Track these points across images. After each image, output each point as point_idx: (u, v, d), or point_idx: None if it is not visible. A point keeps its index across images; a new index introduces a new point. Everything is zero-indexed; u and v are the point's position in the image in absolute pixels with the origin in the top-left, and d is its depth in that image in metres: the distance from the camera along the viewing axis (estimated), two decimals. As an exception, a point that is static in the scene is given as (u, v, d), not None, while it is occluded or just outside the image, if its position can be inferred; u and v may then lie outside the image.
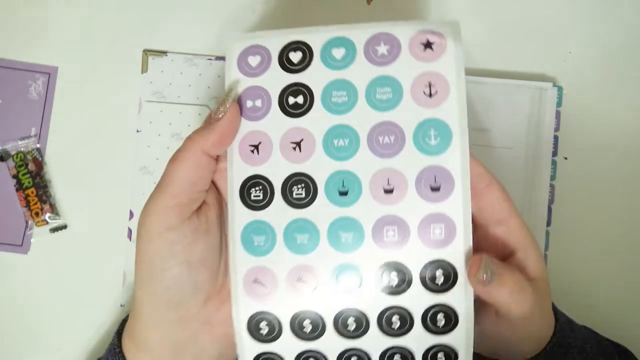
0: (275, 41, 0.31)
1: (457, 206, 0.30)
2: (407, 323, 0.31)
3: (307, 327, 0.31)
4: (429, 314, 0.31)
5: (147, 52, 0.44)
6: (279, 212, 0.31)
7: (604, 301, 0.44)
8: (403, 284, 0.30)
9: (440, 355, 0.32)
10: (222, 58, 0.44)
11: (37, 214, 0.43)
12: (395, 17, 0.45)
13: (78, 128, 0.45)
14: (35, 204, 0.43)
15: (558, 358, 0.32)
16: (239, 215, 0.31)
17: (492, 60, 0.45)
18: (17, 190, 0.43)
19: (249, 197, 0.31)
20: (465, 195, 0.30)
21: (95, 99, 0.45)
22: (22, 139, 0.44)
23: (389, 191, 0.30)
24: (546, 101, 0.44)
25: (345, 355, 0.31)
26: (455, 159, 0.30)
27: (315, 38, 0.31)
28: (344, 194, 0.30)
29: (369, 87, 0.30)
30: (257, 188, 0.31)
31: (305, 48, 0.31)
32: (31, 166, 0.43)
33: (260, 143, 0.31)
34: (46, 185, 0.43)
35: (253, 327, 0.31)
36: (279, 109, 0.31)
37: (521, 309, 0.30)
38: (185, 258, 0.30)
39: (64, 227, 0.44)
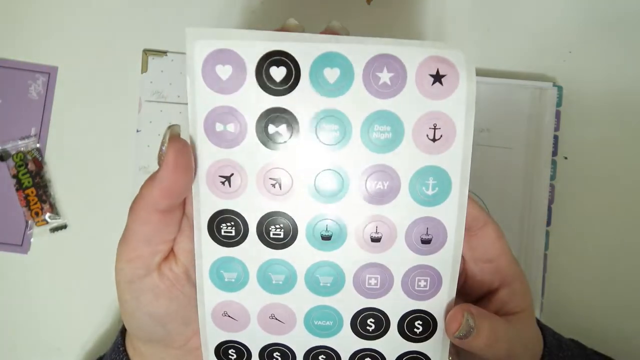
0: (251, 48, 0.25)
1: (446, 259, 0.28)
2: None
3: (277, 357, 0.30)
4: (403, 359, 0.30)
5: (147, 52, 0.44)
6: (253, 250, 0.28)
7: (604, 301, 0.44)
8: (380, 330, 0.29)
9: None
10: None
11: (37, 213, 0.43)
12: (395, 17, 0.45)
13: (78, 128, 0.45)
14: (35, 203, 0.43)
15: None
16: (206, 250, 0.28)
17: (492, 60, 0.45)
18: (17, 190, 0.43)
19: (219, 232, 0.28)
20: (457, 249, 0.28)
21: (95, 99, 0.45)
22: (22, 138, 0.44)
23: (376, 239, 0.28)
24: (546, 101, 0.44)
25: None
26: (452, 211, 0.27)
27: (304, 51, 0.25)
28: (327, 238, 0.28)
29: (366, 123, 0.26)
30: (228, 224, 0.27)
31: (290, 63, 0.25)
32: (31, 166, 0.43)
33: (232, 175, 0.27)
34: (46, 185, 0.43)
35: (222, 354, 0.30)
36: (256, 137, 0.26)
37: (498, 353, 0.29)
38: (149, 310, 0.28)
39: (64, 227, 0.44)
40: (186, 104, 0.46)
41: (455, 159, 0.26)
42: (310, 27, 0.46)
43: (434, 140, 0.26)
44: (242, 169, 0.26)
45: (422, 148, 0.26)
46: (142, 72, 0.44)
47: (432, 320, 0.29)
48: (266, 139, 0.26)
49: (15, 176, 0.43)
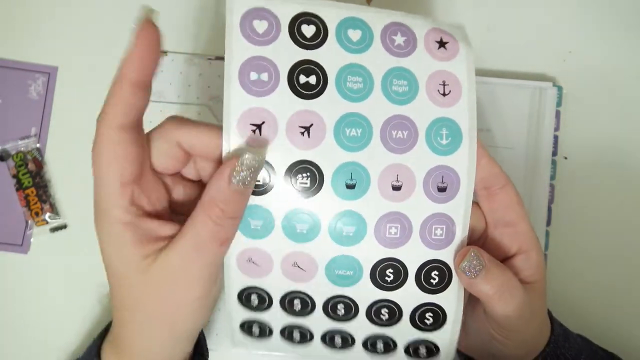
0: (285, 8, 0.28)
1: (459, 208, 0.30)
2: (395, 316, 0.31)
3: (297, 305, 0.32)
4: (418, 312, 0.31)
5: (147, 52, 0.44)
6: (279, 200, 0.28)
7: (604, 301, 0.44)
8: (398, 281, 0.31)
9: (422, 349, 0.33)
10: (222, 58, 0.44)
11: (37, 213, 0.43)
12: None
13: (78, 128, 0.44)
14: (35, 203, 0.43)
15: None
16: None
17: (492, 60, 0.45)
18: (17, 190, 0.43)
19: None
20: (468, 199, 0.30)
21: (95, 99, 0.45)
22: (22, 138, 0.44)
23: (397, 188, 0.29)
24: (546, 101, 0.44)
25: (329, 334, 0.33)
26: (463, 161, 0.30)
27: (330, 13, 0.28)
28: (351, 187, 0.29)
29: (385, 77, 0.29)
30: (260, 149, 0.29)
31: (319, 22, 0.28)
32: (31, 166, 0.43)
33: (263, 123, 0.28)
34: (46, 185, 0.43)
35: (244, 299, 0.31)
36: (288, 87, 0.28)
37: (505, 307, 0.30)
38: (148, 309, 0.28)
39: (64, 226, 0.44)
40: (186, 103, 0.46)
41: (463, 113, 0.30)
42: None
43: (444, 94, 0.29)
44: (273, 117, 0.28)
45: (435, 101, 0.29)
46: (142, 72, 0.44)
47: (447, 271, 0.31)
48: (297, 89, 0.28)
49: (15, 176, 0.43)
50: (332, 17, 0.28)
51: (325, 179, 0.29)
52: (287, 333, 0.33)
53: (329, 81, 0.28)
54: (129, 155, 0.26)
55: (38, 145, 0.44)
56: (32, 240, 0.44)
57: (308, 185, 0.28)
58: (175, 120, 0.28)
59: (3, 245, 0.43)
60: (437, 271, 0.31)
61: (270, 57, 0.28)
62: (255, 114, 0.28)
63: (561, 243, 0.44)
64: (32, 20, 0.45)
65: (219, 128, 0.28)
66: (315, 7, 0.28)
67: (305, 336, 0.33)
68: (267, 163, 0.28)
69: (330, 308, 0.32)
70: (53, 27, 0.45)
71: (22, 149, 0.44)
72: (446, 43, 0.30)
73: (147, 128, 0.44)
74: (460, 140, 0.30)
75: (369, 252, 0.30)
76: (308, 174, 0.28)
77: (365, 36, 0.29)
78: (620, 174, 0.45)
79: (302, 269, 0.30)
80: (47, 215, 0.43)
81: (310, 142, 0.28)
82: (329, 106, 0.28)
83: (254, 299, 0.31)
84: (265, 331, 0.33)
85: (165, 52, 0.44)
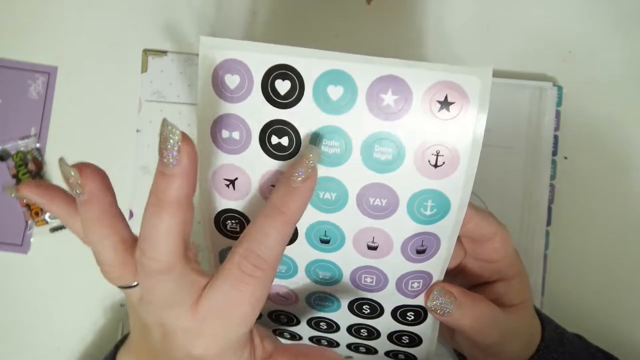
0: (258, 59, 0.25)
1: (437, 265, 0.29)
2: (374, 335, 0.33)
3: (283, 319, 0.34)
4: (395, 335, 0.33)
5: (147, 52, 0.44)
6: None
7: (604, 301, 0.44)
8: (375, 314, 0.32)
9: (401, 355, 0.35)
10: (222, 58, 0.44)
11: (37, 213, 0.43)
12: (396, 17, 0.45)
13: (78, 128, 0.45)
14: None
15: None
16: (214, 240, 0.29)
17: (492, 60, 0.45)
18: (17, 190, 0.43)
19: (225, 227, 0.29)
20: (448, 255, 0.29)
21: (95, 99, 0.45)
22: (22, 138, 0.44)
23: (372, 248, 0.28)
24: (546, 101, 0.44)
25: (315, 338, 0.35)
26: (448, 227, 0.27)
27: (309, 66, 0.25)
28: (325, 242, 0.28)
29: (367, 143, 0.25)
30: (233, 221, 0.28)
31: (295, 77, 0.25)
32: (31, 166, 0.43)
33: (236, 179, 0.27)
34: (46, 185, 0.43)
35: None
36: (259, 147, 0.26)
37: (485, 338, 0.30)
38: None
39: (64, 227, 0.44)
40: (186, 103, 0.46)
41: (457, 185, 0.26)
42: (310, 27, 0.46)
43: (435, 166, 0.25)
44: (245, 174, 0.27)
45: (423, 172, 0.26)
46: (142, 72, 0.44)
47: (423, 311, 0.31)
48: (268, 149, 0.26)
49: (15, 176, 0.43)
50: (311, 71, 0.25)
51: (299, 233, 0.28)
52: (277, 333, 0.35)
53: (302, 144, 0.26)
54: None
55: (38, 145, 0.44)
56: (32, 240, 0.44)
57: None
58: None
59: (3, 245, 0.43)
60: (413, 312, 0.31)
61: (242, 115, 0.26)
62: (228, 170, 0.27)
63: (561, 243, 0.44)
64: (32, 20, 0.45)
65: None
66: (293, 57, 0.25)
67: (295, 337, 0.35)
68: (243, 214, 0.28)
69: (313, 323, 0.34)
70: (53, 27, 0.45)
71: (22, 149, 0.44)
72: (451, 104, 0.24)
73: (147, 128, 0.44)
74: (447, 212, 0.27)
75: (346, 293, 0.31)
76: None
77: (347, 94, 0.25)
78: (620, 174, 0.45)
79: (284, 297, 0.32)
80: (47, 215, 0.43)
81: None
82: None
83: None
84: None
85: (165, 52, 0.44)
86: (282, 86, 0.25)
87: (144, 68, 0.44)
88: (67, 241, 0.44)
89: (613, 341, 0.38)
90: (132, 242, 0.25)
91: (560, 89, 0.44)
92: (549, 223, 0.43)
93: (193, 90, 0.44)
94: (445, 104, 0.24)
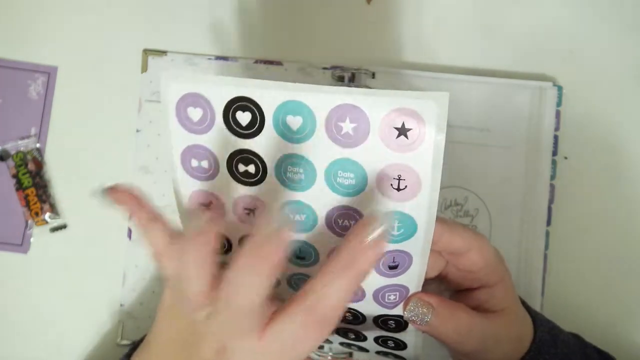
0: (218, 93, 0.26)
1: (412, 278, 0.29)
2: (360, 337, 0.33)
3: None
4: (380, 339, 0.33)
5: (147, 52, 0.44)
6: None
7: (604, 301, 0.44)
8: (357, 321, 0.32)
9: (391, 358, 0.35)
10: (222, 57, 0.44)
11: (37, 213, 0.43)
12: (395, 17, 0.45)
13: (78, 128, 0.45)
14: (35, 203, 0.43)
15: None
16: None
17: (492, 60, 0.45)
18: (17, 190, 0.43)
19: None
20: (422, 269, 0.29)
21: (95, 99, 0.45)
22: (22, 138, 0.44)
23: None
24: (546, 101, 0.44)
25: None
26: (418, 244, 0.27)
27: (266, 98, 0.25)
28: (301, 258, 0.29)
29: (330, 169, 0.26)
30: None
31: (254, 109, 0.25)
32: (31, 166, 0.43)
33: (210, 203, 0.28)
34: (46, 185, 0.43)
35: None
36: (228, 174, 0.27)
37: (465, 346, 0.31)
38: None
39: (64, 227, 0.44)
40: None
41: (421, 207, 0.26)
42: (310, 27, 0.46)
43: (398, 189, 0.26)
44: (219, 199, 0.28)
45: (387, 195, 0.26)
46: (142, 72, 0.44)
47: (403, 321, 0.31)
48: (237, 177, 0.27)
49: (15, 176, 0.43)
50: (269, 102, 0.25)
51: None
52: None
53: (268, 171, 0.27)
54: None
55: (38, 145, 0.44)
56: (32, 240, 0.44)
57: None
58: None
59: (3, 245, 0.43)
60: (393, 321, 0.31)
61: (208, 145, 0.27)
62: (201, 195, 0.28)
63: (561, 243, 0.44)
64: (32, 20, 0.45)
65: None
66: (251, 89, 0.25)
67: None
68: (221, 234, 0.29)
69: None
70: (53, 27, 0.45)
71: (22, 149, 0.44)
72: (408, 130, 0.24)
73: (147, 128, 0.44)
74: (414, 231, 0.27)
75: None
76: None
77: (306, 123, 0.25)
78: (620, 174, 0.45)
79: None
80: (47, 215, 0.43)
81: (254, 222, 0.28)
82: (271, 193, 0.27)
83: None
84: None
85: (165, 52, 0.44)
86: (243, 117, 0.26)
87: (144, 68, 0.44)
88: (67, 241, 0.44)
89: (612, 341, 0.38)
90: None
91: (560, 89, 0.44)
92: (549, 223, 0.43)
93: (193, 90, 0.44)
94: (402, 130, 0.24)
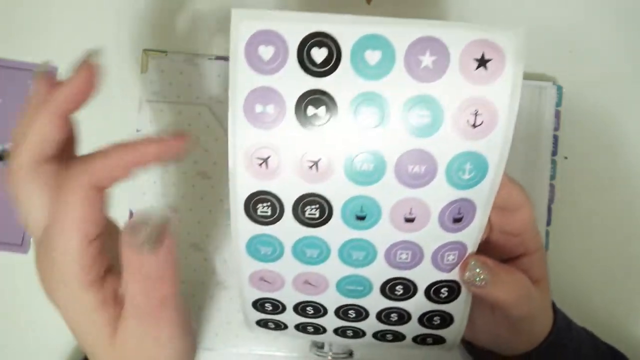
0: (294, 29, 0.25)
1: (472, 234, 0.29)
2: (404, 319, 0.32)
3: (310, 310, 0.33)
4: (426, 317, 0.32)
5: (147, 52, 0.44)
6: (288, 229, 0.28)
7: (604, 301, 0.44)
8: (408, 294, 0.31)
9: (429, 339, 0.34)
10: (222, 57, 0.44)
11: (37, 213, 0.43)
12: (395, 17, 0.45)
13: (78, 128, 0.45)
14: (35, 203, 0.43)
15: (551, 357, 0.33)
16: (243, 228, 0.28)
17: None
18: (17, 190, 0.43)
19: (255, 212, 0.28)
20: (482, 224, 0.29)
21: (95, 99, 0.45)
22: (22, 138, 0.44)
23: (410, 220, 0.28)
24: (546, 100, 0.44)
25: (341, 329, 0.34)
26: (484, 192, 0.27)
27: (346, 32, 0.25)
28: (361, 218, 0.28)
29: (405, 106, 0.25)
30: (264, 204, 0.27)
31: (332, 44, 0.25)
32: (31, 166, 0.43)
33: (269, 157, 0.26)
34: (46, 185, 0.43)
35: (259, 305, 0.33)
36: (295, 119, 0.26)
37: (521, 310, 0.30)
38: None
39: (64, 226, 0.44)
40: (186, 103, 0.46)
41: (495, 145, 0.26)
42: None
43: (474, 126, 0.25)
44: (280, 151, 0.26)
45: (461, 133, 0.26)
46: (142, 72, 0.44)
47: (457, 286, 0.31)
48: (305, 121, 0.26)
49: (15, 176, 0.43)
50: (347, 37, 0.25)
51: (334, 211, 0.28)
52: (301, 328, 0.34)
53: (339, 113, 0.25)
54: (97, 204, 0.25)
55: (38, 145, 0.44)
56: (32, 240, 0.44)
57: (317, 216, 0.28)
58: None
59: (3, 245, 0.43)
60: (447, 287, 0.31)
61: (277, 87, 0.25)
62: (261, 147, 0.26)
63: (561, 243, 0.44)
64: (32, 20, 0.45)
65: (119, 146, 0.27)
66: (329, 24, 0.25)
67: (318, 329, 0.34)
68: (274, 195, 0.27)
69: (342, 313, 0.33)
70: (53, 27, 0.45)
71: (22, 149, 0.43)
72: (488, 61, 0.25)
73: (147, 128, 0.44)
74: (484, 175, 0.27)
75: (379, 273, 0.30)
76: (317, 206, 0.27)
77: (385, 58, 0.25)
78: (620, 174, 0.45)
79: (313, 285, 0.31)
80: (47, 215, 0.43)
81: (319, 175, 0.27)
82: (340, 140, 0.26)
83: (268, 306, 0.32)
84: (280, 326, 0.34)
85: (165, 52, 0.44)
86: (319, 54, 0.25)
87: (144, 68, 0.44)
88: (67, 241, 0.44)
89: (613, 341, 0.38)
90: None
91: (560, 88, 0.44)
92: (549, 223, 0.43)
93: (193, 90, 0.44)
94: (482, 61, 0.25)
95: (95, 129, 0.45)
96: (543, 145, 0.44)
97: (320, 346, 0.40)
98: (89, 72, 0.26)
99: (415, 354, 0.42)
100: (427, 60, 0.25)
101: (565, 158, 0.45)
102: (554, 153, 0.44)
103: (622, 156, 0.45)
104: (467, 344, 0.38)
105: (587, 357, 0.34)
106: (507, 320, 0.32)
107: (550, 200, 0.44)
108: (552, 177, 0.44)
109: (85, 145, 0.44)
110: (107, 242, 0.26)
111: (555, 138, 0.44)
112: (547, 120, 0.44)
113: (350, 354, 0.40)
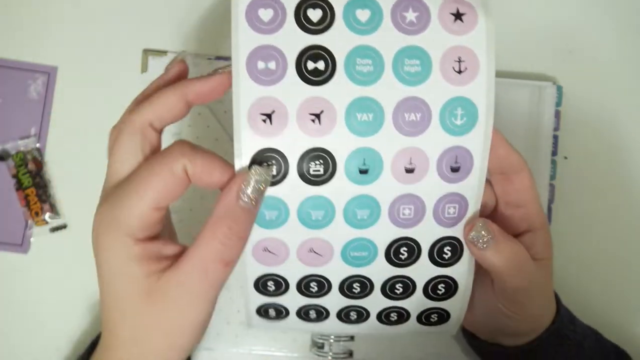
0: None
1: (472, 186, 0.30)
2: (409, 290, 0.33)
3: (314, 287, 0.33)
4: (431, 284, 0.33)
5: (147, 52, 0.44)
6: (293, 189, 0.29)
7: (604, 301, 0.44)
8: (412, 258, 0.31)
9: (434, 316, 0.34)
10: (222, 57, 0.44)
11: (37, 213, 0.43)
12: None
13: (78, 128, 0.45)
14: (35, 203, 0.43)
15: (554, 347, 0.33)
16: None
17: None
18: (17, 189, 0.43)
19: None
20: (481, 176, 0.30)
21: (95, 99, 0.45)
22: (22, 138, 0.44)
23: (410, 170, 0.29)
24: (546, 100, 0.44)
25: (345, 311, 0.34)
26: (478, 140, 0.29)
27: None
28: (364, 172, 0.29)
29: (397, 57, 0.28)
30: (269, 162, 0.28)
31: (325, 5, 0.28)
32: (31, 166, 0.43)
33: (273, 112, 0.28)
34: (46, 184, 0.43)
35: (261, 285, 0.32)
36: (296, 74, 0.28)
37: (514, 280, 0.31)
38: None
39: (64, 226, 0.44)
40: (186, 103, 0.45)
41: (480, 89, 0.29)
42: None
43: (459, 72, 0.28)
44: (282, 105, 0.28)
45: (450, 80, 0.28)
46: (142, 72, 0.44)
47: (459, 245, 0.31)
48: (305, 75, 0.28)
49: (15, 176, 0.43)
50: None
51: (338, 166, 0.29)
52: (303, 313, 0.34)
53: (337, 66, 0.28)
54: (178, 188, 0.27)
55: (38, 145, 0.44)
56: (32, 240, 0.44)
57: (321, 172, 0.29)
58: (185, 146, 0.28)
59: (3, 245, 0.43)
60: (450, 246, 0.31)
61: (277, 44, 0.28)
62: (264, 103, 0.28)
63: (561, 243, 0.44)
64: (32, 20, 0.45)
65: (225, 162, 0.28)
66: None
67: (322, 314, 0.34)
68: (279, 152, 0.28)
69: (346, 287, 0.33)
70: (53, 27, 0.45)
71: (22, 148, 0.44)
72: (463, 15, 0.28)
73: (147, 128, 0.44)
74: (475, 120, 0.29)
75: (384, 234, 0.31)
76: (321, 161, 0.28)
77: (374, 15, 0.28)
78: (620, 174, 0.45)
79: (318, 254, 0.31)
80: (47, 215, 0.43)
81: (321, 129, 0.28)
82: (339, 91, 0.28)
83: (271, 285, 0.32)
84: (281, 312, 0.34)
85: (165, 52, 0.44)
86: (314, 14, 0.28)
87: (144, 68, 0.44)
88: (67, 241, 0.44)
89: (613, 341, 0.38)
90: None
91: (560, 88, 0.44)
92: (549, 223, 0.43)
93: (193, 90, 0.44)
94: (457, 15, 0.28)
95: (95, 129, 0.45)
96: (543, 145, 0.44)
97: (320, 346, 0.40)
98: (221, 83, 0.29)
99: (415, 354, 0.42)
100: (410, 15, 0.28)
101: (565, 158, 0.45)
102: (554, 153, 0.44)
103: (622, 156, 0.45)
104: (470, 338, 0.38)
105: (590, 352, 0.34)
106: (504, 296, 0.32)
107: (550, 200, 0.44)
108: (552, 177, 0.44)
109: (85, 145, 0.45)
110: (166, 216, 0.29)
111: (555, 138, 0.44)
112: (547, 120, 0.44)
113: (351, 354, 0.40)
